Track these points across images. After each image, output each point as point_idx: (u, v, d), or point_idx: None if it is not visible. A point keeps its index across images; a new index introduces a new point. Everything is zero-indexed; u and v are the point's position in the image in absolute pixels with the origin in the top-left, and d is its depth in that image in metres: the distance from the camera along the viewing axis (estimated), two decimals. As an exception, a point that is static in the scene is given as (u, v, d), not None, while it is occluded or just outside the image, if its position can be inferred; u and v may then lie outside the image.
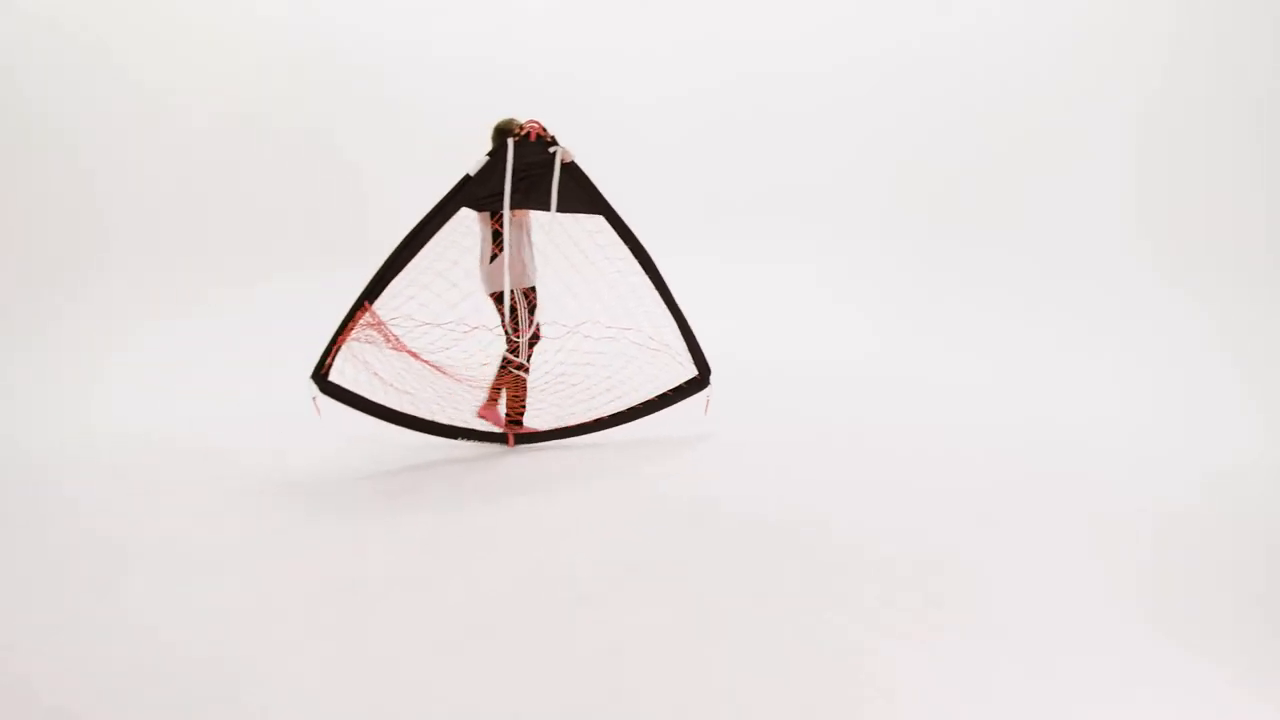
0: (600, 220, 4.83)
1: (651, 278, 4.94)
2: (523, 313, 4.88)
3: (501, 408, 5.16)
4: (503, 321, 4.92)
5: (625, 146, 7.32)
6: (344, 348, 4.40)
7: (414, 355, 4.67)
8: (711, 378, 5.27)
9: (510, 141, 4.49)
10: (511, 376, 4.99)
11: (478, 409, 5.07)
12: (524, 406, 5.10)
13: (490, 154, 4.48)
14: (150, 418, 5.72)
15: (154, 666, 2.89)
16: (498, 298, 4.86)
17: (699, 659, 2.94)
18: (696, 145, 7.56)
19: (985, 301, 6.99)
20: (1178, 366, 5.92)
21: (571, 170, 4.68)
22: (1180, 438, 5.15)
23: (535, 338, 4.97)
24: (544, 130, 4.55)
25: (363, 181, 7.48)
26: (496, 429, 5.07)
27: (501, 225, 4.66)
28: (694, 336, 5.13)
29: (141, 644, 3.02)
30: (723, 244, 8.21)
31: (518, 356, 4.92)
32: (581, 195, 4.74)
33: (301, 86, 7.00)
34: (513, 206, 4.58)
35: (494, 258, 4.77)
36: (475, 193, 4.49)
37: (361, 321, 4.34)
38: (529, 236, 4.90)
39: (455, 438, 4.86)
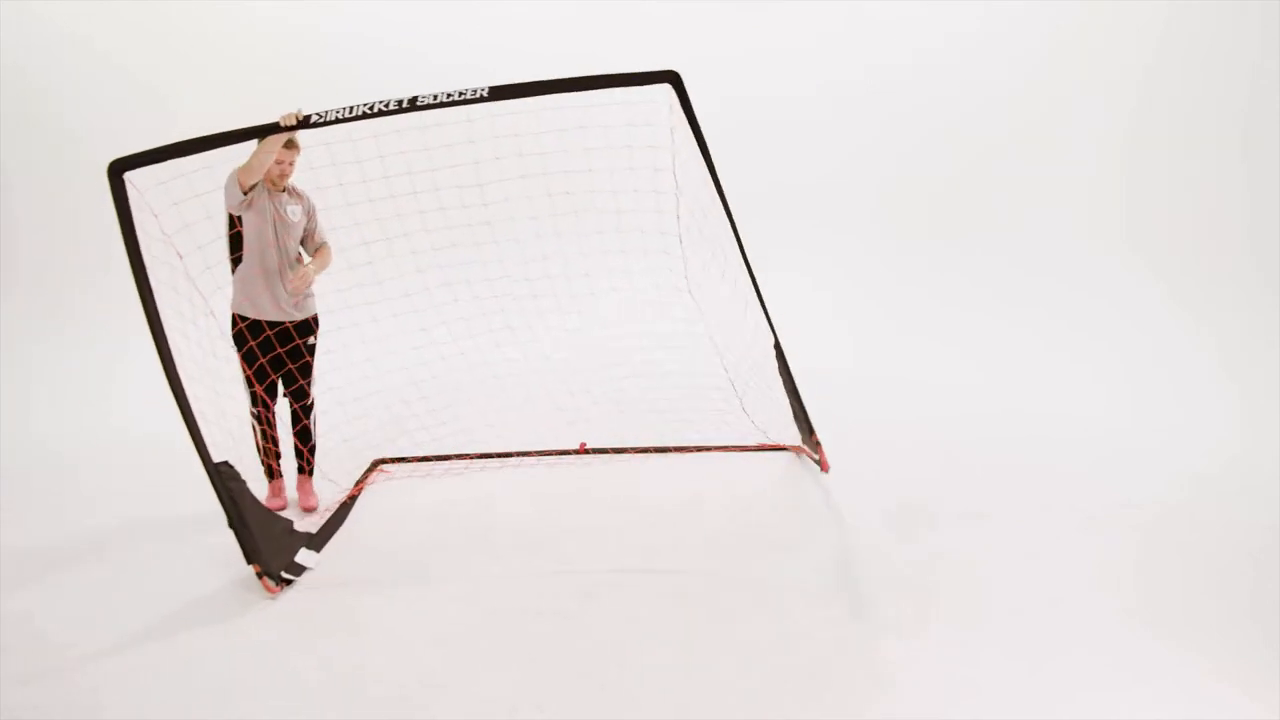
0: None
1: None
2: None
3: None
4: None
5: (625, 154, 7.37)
6: None
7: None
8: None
9: None
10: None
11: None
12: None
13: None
14: (162, 418, 5.70)
15: (161, 662, 2.95)
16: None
17: (698, 654, 3.00)
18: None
19: (970, 303, 7.05)
20: (1161, 366, 6.00)
21: None
22: (1164, 436, 5.23)
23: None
24: None
25: (369, 187, 7.48)
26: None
27: None
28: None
29: (146, 639, 3.08)
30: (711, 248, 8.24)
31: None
32: None
33: (305, 93, 6.98)
34: None
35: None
36: None
37: None
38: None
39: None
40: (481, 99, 3.33)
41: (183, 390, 3.32)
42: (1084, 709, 2.71)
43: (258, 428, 4.21)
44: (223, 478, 3.38)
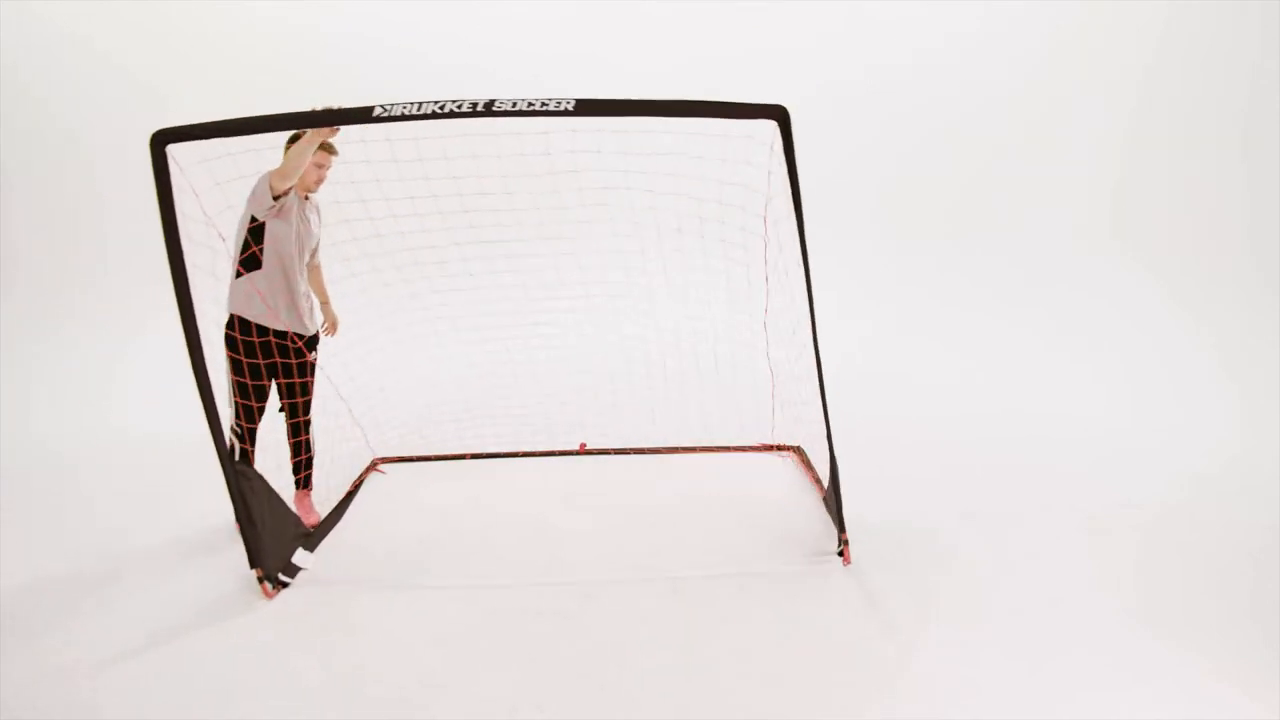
0: None
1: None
2: None
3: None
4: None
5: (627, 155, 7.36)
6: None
7: None
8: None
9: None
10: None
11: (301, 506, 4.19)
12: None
13: None
14: (162, 418, 5.67)
15: (160, 662, 2.95)
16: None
17: (698, 654, 3.00)
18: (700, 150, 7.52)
19: (970, 303, 7.05)
20: (1161, 366, 6.00)
21: None
22: (1164, 436, 5.23)
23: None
24: None
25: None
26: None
27: None
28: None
29: (145, 639, 3.07)
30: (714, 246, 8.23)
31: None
32: None
33: (305, 93, 6.93)
34: None
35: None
36: None
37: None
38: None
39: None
40: (566, 112, 3.06)
41: (208, 381, 3.26)
42: (1084, 709, 2.70)
43: (238, 446, 3.81)
44: (238, 475, 3.38)
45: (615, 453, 5.05)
